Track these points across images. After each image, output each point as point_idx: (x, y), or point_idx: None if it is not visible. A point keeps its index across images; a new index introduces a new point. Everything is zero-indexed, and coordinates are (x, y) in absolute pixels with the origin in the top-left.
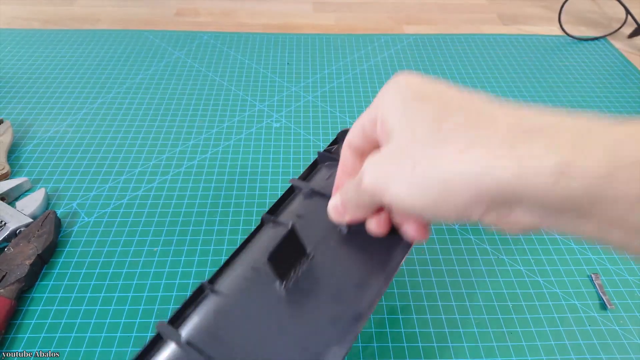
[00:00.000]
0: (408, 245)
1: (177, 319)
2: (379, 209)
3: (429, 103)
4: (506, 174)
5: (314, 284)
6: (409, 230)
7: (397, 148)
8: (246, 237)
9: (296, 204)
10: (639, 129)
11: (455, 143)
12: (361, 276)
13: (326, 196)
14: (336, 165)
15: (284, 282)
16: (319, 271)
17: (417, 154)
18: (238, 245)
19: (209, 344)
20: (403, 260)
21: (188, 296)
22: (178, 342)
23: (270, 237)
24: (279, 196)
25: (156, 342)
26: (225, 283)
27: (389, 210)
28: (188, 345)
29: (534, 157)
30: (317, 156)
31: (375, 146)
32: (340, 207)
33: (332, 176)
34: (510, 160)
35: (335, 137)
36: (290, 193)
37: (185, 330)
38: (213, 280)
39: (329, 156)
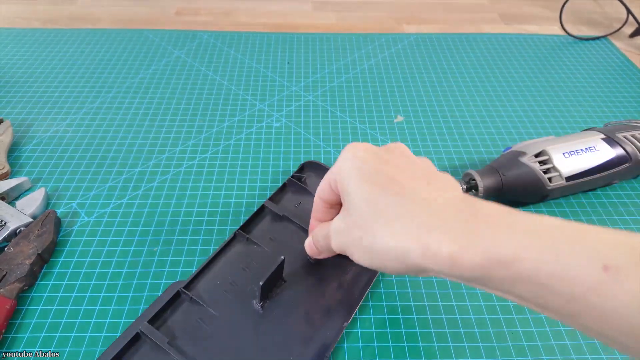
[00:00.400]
0: (370, 279)
1: (157, 319)
2: None
3: (375, 186)
4: (417, 256)
5: (286, 307)
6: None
7: (351, 221)
8: (218, 247)
9: (266, 224)
10: (511, 232)
11: (388, 224)
12: (328, 304)
13: (295, 223)
14: (304, 191)
15: (262, 302)
16: (291, 295)
17: (364, 228)
18: (212, 255)
19: (190, 347)
20: (364, 296)
21: (165, 300)
22: (159, 341)
23: (242, 253)
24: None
25: (135, 341)
26: (204, 292)
27: None
28: (169, 346)
29: (434, 246)
30: (286, 181)
31: (339, 198)
32: (314, 248)
33: (301, 204)
34: (418, 246)
35: (300, 165)
36: (261, 211)
37: (166, 332)
38: (189, 287)
39: (298, 184)
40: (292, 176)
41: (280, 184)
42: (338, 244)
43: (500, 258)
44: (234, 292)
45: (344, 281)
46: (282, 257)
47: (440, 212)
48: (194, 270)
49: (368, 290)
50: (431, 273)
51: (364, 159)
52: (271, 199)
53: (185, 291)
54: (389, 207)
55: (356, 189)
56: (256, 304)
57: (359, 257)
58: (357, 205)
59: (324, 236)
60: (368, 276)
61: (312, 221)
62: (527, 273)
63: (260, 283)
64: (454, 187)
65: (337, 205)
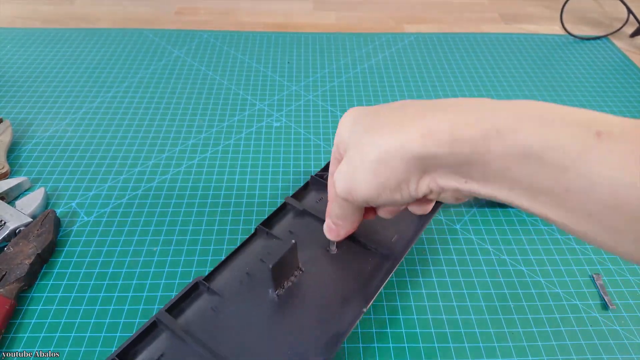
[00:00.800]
0: (389, 271)
1: (174, 309)
2: (366, 210)
3: (366, 117)
4: (416, 142)
5: (303, 296)
6: (393, 211)
7: (349, 154)
8: (244, 239)
9: (288, 220)
10: (503, 108)
11: (381, 132)
12: (345, 294)
13: (316, 217)
14: (326, 189)
15: (277, 290)
16: (308, 285)
17: (360, 148)
18: (234, 249)
19: (205, 336)
20: (383, 285)
21: (185, 291)
22: (175, 329)
23: (263, 247)
24: (277, 205)
25: (153, 329)
26: (221, 283)
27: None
28: (186, 334)
29: (433, 124)
30: (309, 179)
31: None
32: (332, 226)
33: (322, 199)
34: (416, 130)
35: (326, 163)
36: (283, 208)
37: (183, 320)
38: (208, 278)
39: (321, 181)
40: (316, 175)
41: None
42: (342, 185)
43: (497, 127)
44: (251, 282)
45: (364, 271)
46: (293, 241)
47: (434, 106)
48: (211, 265)
49: (389, 278)
50: (431, 168)
51: (357, 111)
52: (293, 196)
53: (204, 282)
54: (381, 121)
55: (351, 129)
56: (272, 293)
57: (362, 182)
58: (353, 137)
59: (335, 199)
60: (388, 265)
61: (329, 207)
62: (521, 144)
63: (270, 265)
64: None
65: None
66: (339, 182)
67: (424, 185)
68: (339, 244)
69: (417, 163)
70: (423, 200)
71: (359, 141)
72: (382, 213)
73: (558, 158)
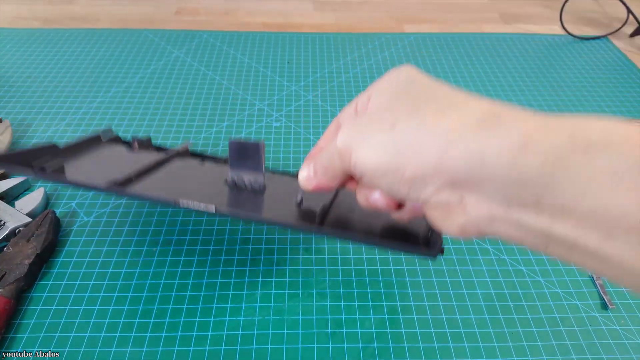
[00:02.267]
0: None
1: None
2: (347, 179)
3: (414, 90)
4: (473, 143)
5: (248, 198)
6: (377, 200)
7: (378, 109)
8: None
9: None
10: (597, 121)
11: (430, 113)
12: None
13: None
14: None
15: (232, 174)
16: (261, 198)
17: (400, 113)
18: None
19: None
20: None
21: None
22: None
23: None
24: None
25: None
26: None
27: (357, 181)
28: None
29: (502, 128)
30: None
31: None
32: (311, 173)
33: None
34: (479, 130)
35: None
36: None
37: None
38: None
39: None
40: None
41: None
42: (347, 138)
43: (589, 140)
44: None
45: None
46: (261, 140)
47: (506, 107)
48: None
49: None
50: (469, 185)
51: (405, 73)
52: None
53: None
54: (433, 104)
55: (392, 93)
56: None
57: (374, 151)
58: (399, 90)
59: (328, 146)
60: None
61: (314, 149)
62: (613, 165)
63: (229, 139)
64: None
65: None
66: (344, 132)
67: (443, 196)
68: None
69: (458, 169)
70: (421, 211)
71: (399, 108)
72: (362, 196)
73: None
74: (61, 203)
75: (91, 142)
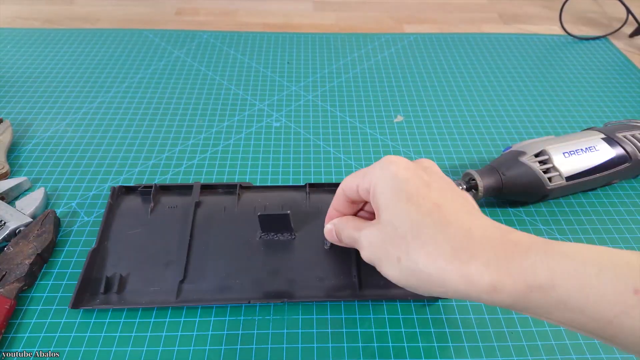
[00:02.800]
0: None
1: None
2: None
3: (419, 210)
4: (458, 285)
5: (284, 247)
6: None
7: (387, 238)
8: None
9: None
10: (545, 260)
11: (427, 248)
12: (325, 274)
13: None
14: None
15: (262, 234)
16: (292, 244)
17: (402, 249)
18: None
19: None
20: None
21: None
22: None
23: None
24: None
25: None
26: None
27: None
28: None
29: (475, 275)
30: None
31: (363, 202)
32: (334, 236)
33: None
34: (460, 276)
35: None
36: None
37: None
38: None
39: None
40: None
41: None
42: (369, 256)
43: (539, 284)
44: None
45: (341, 266)
46: (288, 212)
47: (480, 241)
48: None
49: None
50: (469, 299)
51: (406, 179)
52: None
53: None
54: (432, 234)
55: (398, 210)
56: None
57: (392, 274)
58: (398, 226)
59: (350, 237)
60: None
61: (331, 210)
62: (562, 299)
63: (259, 214)
64: (487, 219)
65: (359, 203)
66: (367, 250)
67: (457, 297)
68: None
69: (455, 294)
70: None
71: (401, 238)
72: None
73: (600, 313)
74: (62, 203)
75: (109, 214)
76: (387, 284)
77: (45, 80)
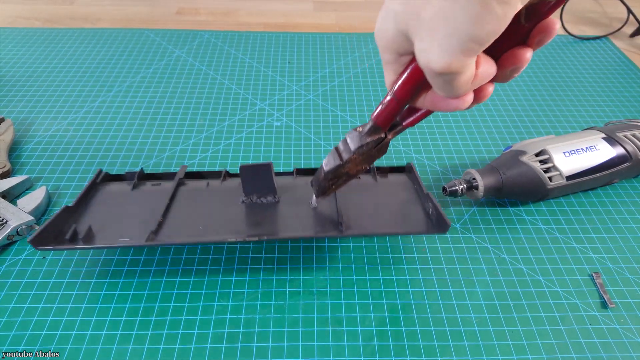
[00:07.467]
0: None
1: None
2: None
3: None
4: (398, 9)
5: (265, 211)
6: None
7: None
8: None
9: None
10: None
11: None
12: (310, 227)
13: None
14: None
15: (246, 197)
16: (277, 211)
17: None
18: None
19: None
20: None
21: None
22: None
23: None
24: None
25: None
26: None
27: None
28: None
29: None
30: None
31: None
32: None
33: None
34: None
35: None
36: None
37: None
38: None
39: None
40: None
41: None
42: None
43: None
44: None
45: (324, 221)
46: (270, 162)
47: None
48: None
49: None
50: (404, 30)
51: None
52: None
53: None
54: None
55: None
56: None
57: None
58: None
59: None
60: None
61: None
62: None
63: (240, 165)
64: None
65: (407, 55)
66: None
67: (409, 45)
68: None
69: (400, 21)
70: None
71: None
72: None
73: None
74: (63, 201)
75: (92, 188)
76: (369, 228)
77: (47, 79)
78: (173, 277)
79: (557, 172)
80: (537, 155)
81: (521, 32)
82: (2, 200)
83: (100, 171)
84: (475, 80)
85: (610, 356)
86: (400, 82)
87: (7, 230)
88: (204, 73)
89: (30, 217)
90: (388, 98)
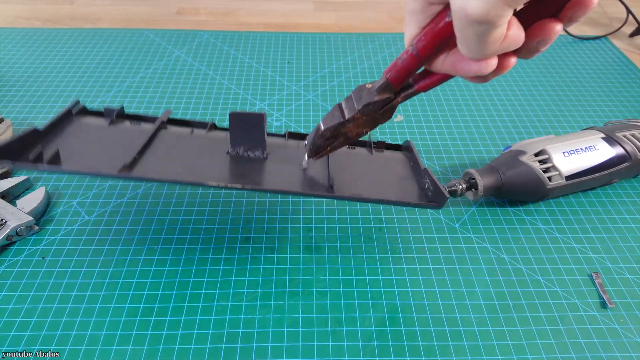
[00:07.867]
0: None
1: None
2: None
3: None
4: None
5: (251, 166)
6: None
7: None
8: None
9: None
10: None
11: None
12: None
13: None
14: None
15: (232, 148)
16: (265, 166)
17: None
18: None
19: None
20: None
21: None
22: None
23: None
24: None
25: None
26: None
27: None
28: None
29: None
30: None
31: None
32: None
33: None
34: None
35: None
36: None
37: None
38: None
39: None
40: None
41: None
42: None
43: None
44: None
45: (314, 182)
46: (263, 112)
47: None
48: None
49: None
50: None
51: None
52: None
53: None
54: None
55: None
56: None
57: None
58: None
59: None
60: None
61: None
62: None
63: (230, 112)
64: None
65: (437, 4)
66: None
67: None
68: (311, 163)
69: None
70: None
71: None
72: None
73: None
74: (63, 202)
75: (65, 118)
76: (362, 193)
77: (46, 79)
78: (172, 277)
79: (557, 172)
80: (536, 155)
81: (557, 1)
82: (2, 200)
83: (78, 102)
84: (504, 43)
85: (610, 356)
86: (423, 35)
87: (6, 231)
88: (203, 73)
89: (30, 218)
90: (407, 53)
